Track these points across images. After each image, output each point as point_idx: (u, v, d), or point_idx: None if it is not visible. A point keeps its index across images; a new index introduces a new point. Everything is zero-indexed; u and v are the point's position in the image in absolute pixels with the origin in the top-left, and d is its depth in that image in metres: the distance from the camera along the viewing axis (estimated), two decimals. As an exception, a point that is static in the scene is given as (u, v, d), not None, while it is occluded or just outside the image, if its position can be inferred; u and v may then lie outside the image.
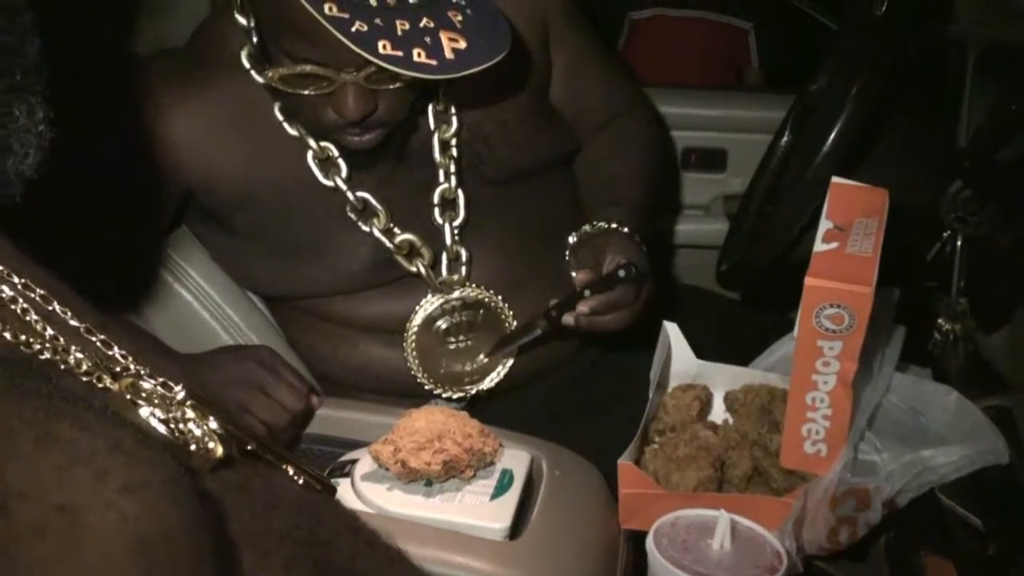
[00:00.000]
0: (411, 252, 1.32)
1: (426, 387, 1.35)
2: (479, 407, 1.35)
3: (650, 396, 1.19)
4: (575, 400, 1.43)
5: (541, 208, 1.41)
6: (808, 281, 0.91)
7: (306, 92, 1.13)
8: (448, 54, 0.99)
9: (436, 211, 1.32)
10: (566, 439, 1.21)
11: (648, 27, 2.66)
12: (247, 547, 0.56)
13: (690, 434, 1.15)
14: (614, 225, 1.32)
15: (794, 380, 1.00)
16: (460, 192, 1.32)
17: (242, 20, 1.17)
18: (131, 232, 1.32)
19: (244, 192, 1.28)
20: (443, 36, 1.01)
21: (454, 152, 1.32)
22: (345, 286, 1.33)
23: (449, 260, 1.33)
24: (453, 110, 1.31)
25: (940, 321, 1.24)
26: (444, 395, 1.36)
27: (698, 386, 1.24)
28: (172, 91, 1.24)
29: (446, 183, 1.31)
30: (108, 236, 1.26)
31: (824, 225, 1.03)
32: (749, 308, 1.57)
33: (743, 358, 1.30)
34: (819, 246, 0.98)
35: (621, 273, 1.23)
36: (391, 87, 1.14)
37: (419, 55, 0.98)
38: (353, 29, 0.97)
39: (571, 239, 1.35)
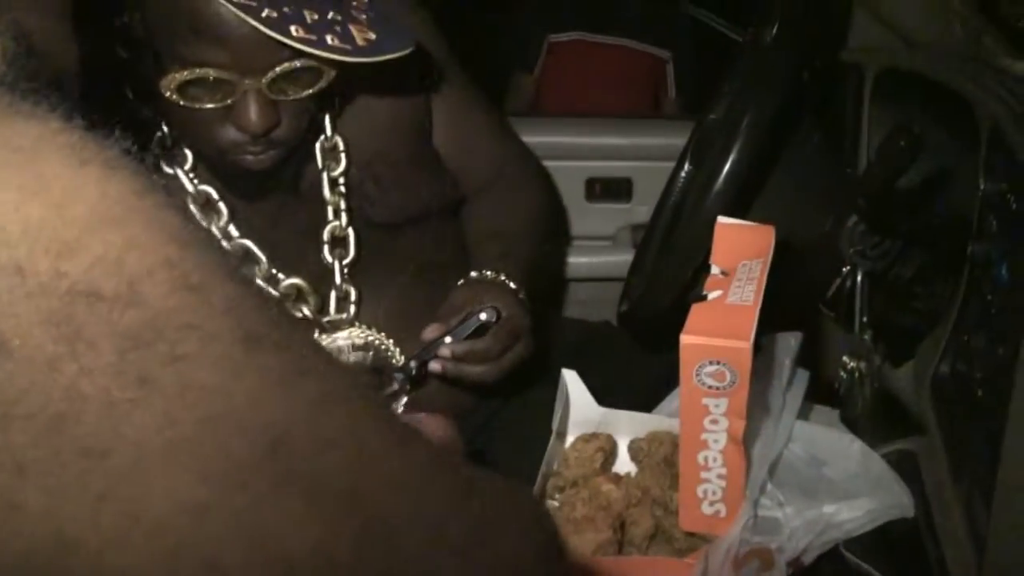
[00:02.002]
0: (298, 297, 1.26)
1: None
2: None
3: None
4: (474, 454, 1.35)
5: (430, 253, 1.36)
6: (683, 339, 0.84)
7: (207, 106, 1.06)
8: (360, 42, 0.99)
9: (325, 248, 1.26)
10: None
11: (567, 50, 2.63)
12: None
13: (591, 490, 1.10)
14: (501, 277, 1.28)
15: (683, 441, 0.94)
16: (350, 230, 1.27)
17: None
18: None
19: None
20: (352, 28, 1.01)
21: (342, 190, 1.27)
22: None
23: (338, 299, 1.28)
24: (341, 146, 1.26)
25: (844, 359, 1.19)
26: None
27: (602, 435, 1.18)
28: None
29: (336, 220, 1.26)
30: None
31: (710, 270, 0.97)
32: (656, 348, 1.51)
33: (652, 399, 1.25)
34: (701, 295, 0.92)
35: (482, 315, 1.19)
36: (294, 97, 1.08)
37: (332, 40, 0.98)
38: (263, 15, 0.95)
39: (459, 284, 1.30)
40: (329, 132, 1.26)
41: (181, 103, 1.06)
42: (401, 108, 1.34)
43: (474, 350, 1.20)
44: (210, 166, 1.20)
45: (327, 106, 1.25)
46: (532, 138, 1.91)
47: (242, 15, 0.95)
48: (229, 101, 1.06)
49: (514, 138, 1.57)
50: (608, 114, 2.30)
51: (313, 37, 0.98)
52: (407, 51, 1.04)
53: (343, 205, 1.27)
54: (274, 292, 1.24)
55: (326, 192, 1.26)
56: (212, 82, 1.05)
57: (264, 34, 0.97)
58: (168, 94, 1.06)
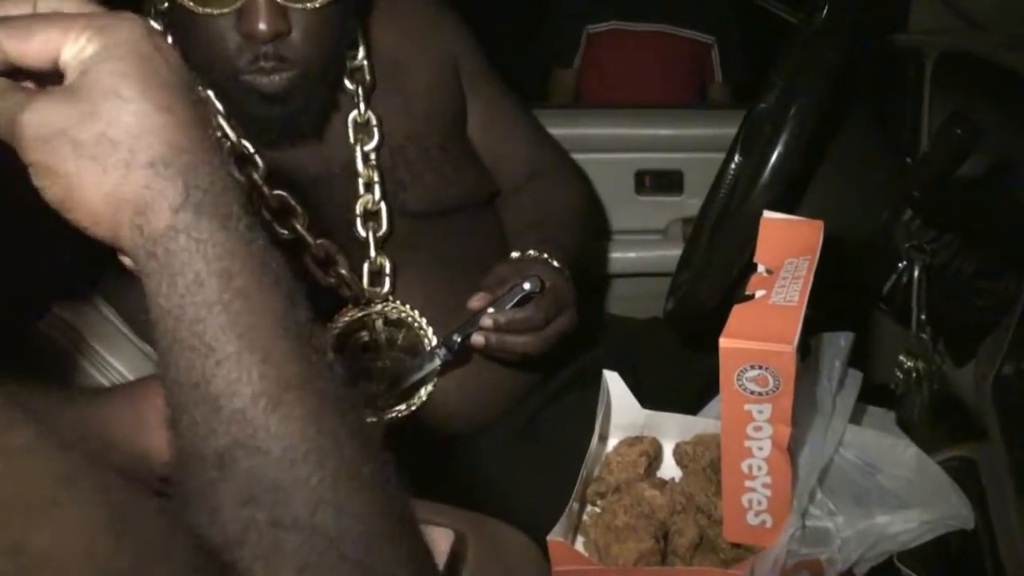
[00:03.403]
0: (326, 261, 1.23)
1: None
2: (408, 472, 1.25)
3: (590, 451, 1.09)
4: (515, 457, 1.33)
5: (464, 246, 1.34)
6: (723, 342, 0.80)
7: (214, 12, 1.06)
8: None
9: (358, 221, 1.25)
10: (503, 504, 1.11)
11: (605, 41, 2.57)
12: None
13: (633, 497, 1.06)
14: (544, 255, 1.26)
15: (725, 449, 0.89)
16: (383, 205, 1.26)
17: (156, 25, 1.10)
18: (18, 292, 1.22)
19: None
20: None
21: (374, 164, 1.26)
22: None
23: (371, 272, 1.26)
24: (374, 122, 1.26)
25: (901, 358, 1.13)
26: None
27: (645, 439, 1.14)
28: None
29: (368, 194, 1.25)
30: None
31: (754, 269, 0.93)
32: (703, 347, 1.47)
33: (699, 401, 1.21)
34: (745, 295, 0.88)
35: (526, 285, 1.16)
36: (302, 5, 1.07)
37: None
38: None
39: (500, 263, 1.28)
40: (363, 108, 1.25)
41: (189, 4, 1.06)
42: (435, 95, 1.33)
43: (517, 319, 1.17)
44: (237, 114, 1.18)
45: (359, 80, 1.25)
46: (579, 130, 1.89)
47: None
48: (238, 4, 1.06)
49: (548, 138, 1.55)
50: (656, 104, 2.25)
51: None
52: None
53: (375, 178, 1.26)
54: (310, 240, 1.21)
55: (359, 165, 1.25)
56: None
57: None
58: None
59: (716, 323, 0.85)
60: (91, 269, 1.24)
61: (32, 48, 0.55)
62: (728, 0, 2.61)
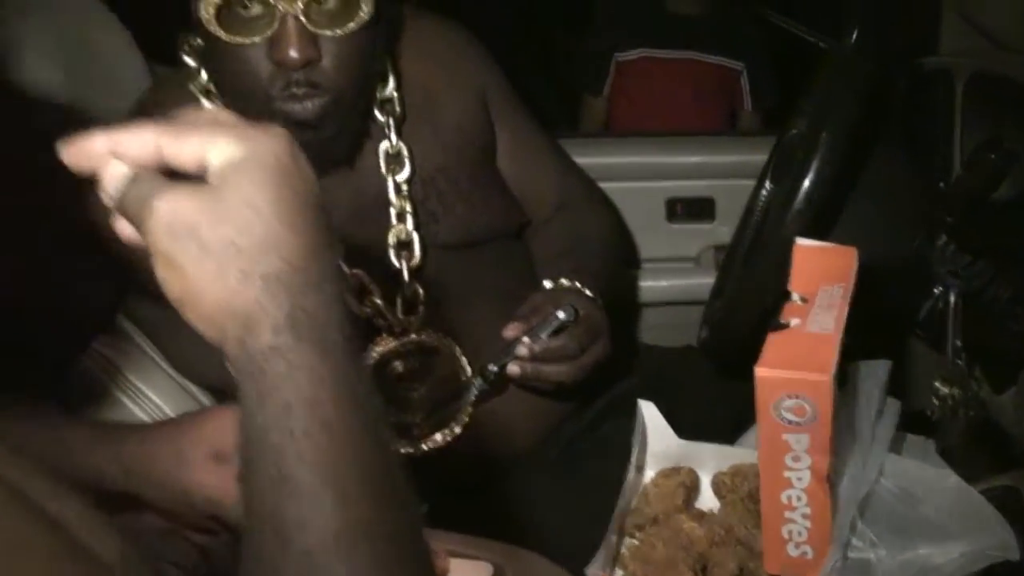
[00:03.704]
0: (361, 291, 1.24)
1: None
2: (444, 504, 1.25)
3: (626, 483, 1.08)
4: (550, 487, 1.32)
5: (496, 276, 1.35)
6: (759, 372, 0.79)
7: (245, 41, 1.08)
8: None
9: (391, 251, 1.26)
10: (539, 536, 1.11)
11: (635, 69, 2.57)
12: None
13: (672, 529, 1.05)
14: (576, 284, 1.26)
15: (764, 480, 0.89)
16: (415, 235, 1.26)
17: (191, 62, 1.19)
18: (65, 326, 1.24)
19: None
20: None
21: (406, 194, 1.27)
22: None
23: (405, 301, 1.26)
24: (405, 153, 1.27)
25: (936, 385, 1.12)
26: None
27: (683, 470, 1.13)
28: None
29: (401, 225, 1.26)
30: (39, 329, 1.18)
31: (788, 297, 0.92)
32: (739, 376, 1.46)
33: (736, 430, 1.20)
34: (779, 324, 0.87)
35: (560, 314, 1.16)
36: (332, 33, 1.10)
37: None
38: None
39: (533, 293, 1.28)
40: (394, 138, 1.26)
41: (222, 35, 1.08)
42: (464, 126, 1.34)
43: (553, 347, 1.17)
44: None
45: (389, 111, 1.26)
46: (610, 159, 1.89)
47: None
48: (268, 33, 1.08)
49: (576, 167, 1.56)
50: (686, 132, 2.25)
51: None
52: None
53: (408, 208, 1.27)
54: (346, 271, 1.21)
55: (391, 195, 1.26)
56: (249, 7, 1.07)
57: None
58: (207, 20, 1.07)
59: (751, 352, 0.85)
60: (130, 305, 1.26)
61: (184, 148, 0.56)
62: (757, 26, 2.60)
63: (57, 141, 0.58)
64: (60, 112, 1.33)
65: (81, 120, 1.37)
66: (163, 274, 0.55)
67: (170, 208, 0.54)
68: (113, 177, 0.57)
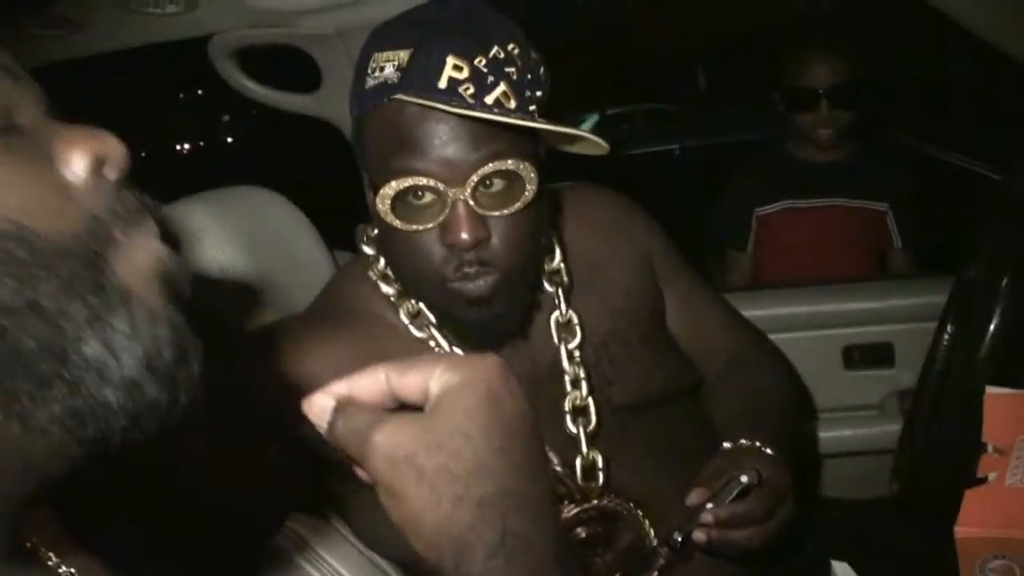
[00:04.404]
0: None
1: None
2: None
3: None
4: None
5: (673, 436, 1.33)
6: (958, 531, 0.76)
7: (420, 228, 1.13)
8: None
9: (568, 418, 1.26)
10: None
11: (777, 221, 2.54)
12: None
13: None
14: (756, 443, 1.23)
15: (975, 645, 0.83)
16: (591, 400, 1.27)
17: (369, 250, 1.27)
18: (259, 506, 1.29)
19: None
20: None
21: (579, 360, 1.29)
22: None
23: (584, 467, 1.26)
24: (576, 321, 1.30)
25: None
26: None
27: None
28: (305, 345, 1.24)
29: (576, 391, 1.27)
30: (232, 514, 1.23)
31: (983, 450, 0.88)
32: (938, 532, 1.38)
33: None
34: (977, 478, 0.83)
35: (744, 478, 1.13)
36: (499, 213, 1.13)
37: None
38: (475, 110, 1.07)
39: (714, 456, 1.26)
40: (564, 308, 1.29)
41: (398, 225, 1.13)
42: (632, 292, 1.36)
43: (738, 513, 1.14)
44: (447, 323, 1.24)
45: (557, 282, 1.30)
46: (783, 309, 1.88)
47: (446, 108, 1.05)
48: (441, 219, 1.12)
49: (745, 322, 1.55)
50: (860, 278, 2.20)
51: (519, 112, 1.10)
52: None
53: (582, 374, 1.28)
54: None
55: (564, 363, 1.28)
56: (421, 196, 1.12)
57: (463, 141, 1.09)
58: (384, 212, 1.13)
59: (948, 506, 0.81)
60: (324, 485, 1.30)
61: (408, 381, 0.61)
62: (900, 165, 2.54)
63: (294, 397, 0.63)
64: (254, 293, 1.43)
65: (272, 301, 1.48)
66: (386, 501, 0.59)
67: (389, 440, 0.58)
68: (322, 409, 0.62)
